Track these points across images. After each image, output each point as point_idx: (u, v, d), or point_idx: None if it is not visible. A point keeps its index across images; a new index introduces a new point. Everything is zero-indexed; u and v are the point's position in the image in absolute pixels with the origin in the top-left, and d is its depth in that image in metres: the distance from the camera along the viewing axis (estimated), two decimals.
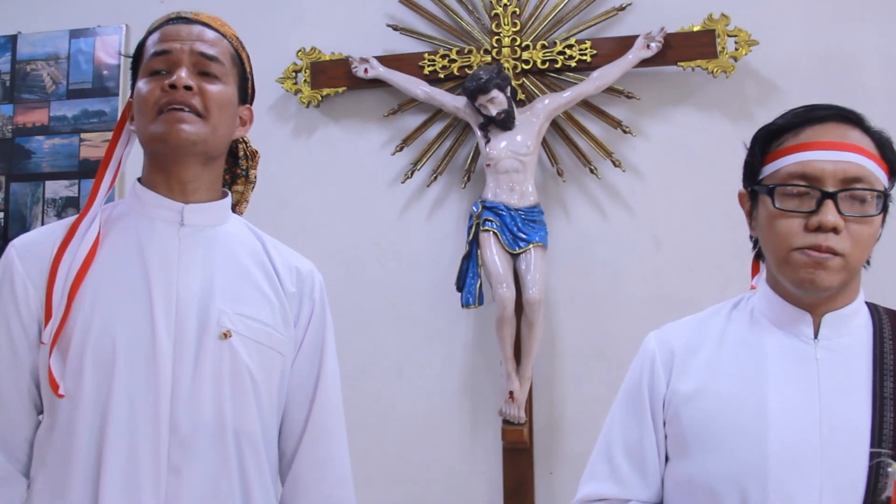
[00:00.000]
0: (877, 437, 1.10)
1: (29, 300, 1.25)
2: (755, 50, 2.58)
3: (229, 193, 1.42)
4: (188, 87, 1.26)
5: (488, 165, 2.54)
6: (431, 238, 2.79)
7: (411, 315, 2.78)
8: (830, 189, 1.13)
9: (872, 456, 1.09)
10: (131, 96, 1.36)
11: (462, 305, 2.54)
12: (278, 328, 1.34)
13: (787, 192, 1.16)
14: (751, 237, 1.30)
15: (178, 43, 1.30)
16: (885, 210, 1.17)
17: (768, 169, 1.20)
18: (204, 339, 1.26)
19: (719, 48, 2.58)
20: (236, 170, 1.48)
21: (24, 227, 3.07)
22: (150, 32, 1.35)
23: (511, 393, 2.47)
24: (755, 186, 1.22)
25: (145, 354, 1.23)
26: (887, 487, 1.05)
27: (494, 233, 2.48)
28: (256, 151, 1.50)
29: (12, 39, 3.17)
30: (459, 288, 2.55)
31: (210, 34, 1.33)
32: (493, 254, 2.48)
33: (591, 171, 2.66)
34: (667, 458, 1.27)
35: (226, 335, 1.27)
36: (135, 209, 1.33)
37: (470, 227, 2.54)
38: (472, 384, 2.73)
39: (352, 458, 2.62)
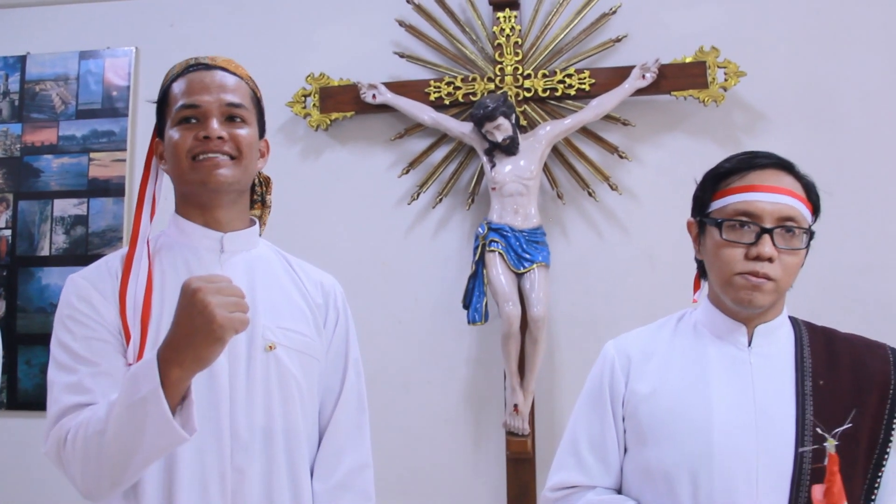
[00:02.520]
0: (800, 426, 1.33)
1: (111, 318, 1.36)
2: (743, 81, 2.74)
3: (257, 221, 1.56)
4: (220, 138, 1.40)
5: (493, 189, 2.67)
6: (436, 257, 2.91)
7: (416, 331, 2.89)
8: (768, 225, 1.34)
9: (801, 428, 1.33)
10: (155, 136, 1.49)
11: (468, 322, 2.65)
12: (313, 337, 1.49)
13: (732, 226, 1.36)
14: (696, 259, 1.52)
15: (206, 95, 1.42)
16: (808, 244, 1.39)
17: (716, 204, 1.41)
18: (253, 353, 1.40)
19: (710, 79, 2.74)
20: (253, 196, 1.59)
21: (33, 245, 3.13)
22: (172, 79, 1.46)
23: (516, 406, 2.59)
24: (704, 218, 1.43)
25: (205, 370, 1.35)
26: (821, 457, 1.25)
27: (500, 253, 2.61)
28: (269, 178, 1.62)
29: (21, 60, 3.24)
30: (466, 306, 2.66)
31: (231, 80, 1.45)
32: (499, 273, 2.60)
33: (590, 194, 2.80)
34: (625, 450, 1.46)
35: (271, 347, 1.42)
36: (179, 240, 1.47)
37: (476, 248, 2.67)
38: (476, 398, 2.85)
39: None
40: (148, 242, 1.44)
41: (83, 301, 1.37)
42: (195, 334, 1.15)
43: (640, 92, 2.76)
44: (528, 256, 2.61)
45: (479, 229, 2.68)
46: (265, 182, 1.61)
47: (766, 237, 1.33)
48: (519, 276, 2.63)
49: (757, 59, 2.77)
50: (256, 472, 1.37)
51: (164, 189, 1.51)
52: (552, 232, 2.81)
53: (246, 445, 1.36)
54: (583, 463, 1.47)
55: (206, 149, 1.39)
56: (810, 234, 1.38)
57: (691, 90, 2.75)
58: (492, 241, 2.62)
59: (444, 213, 2.92)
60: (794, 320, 1.47)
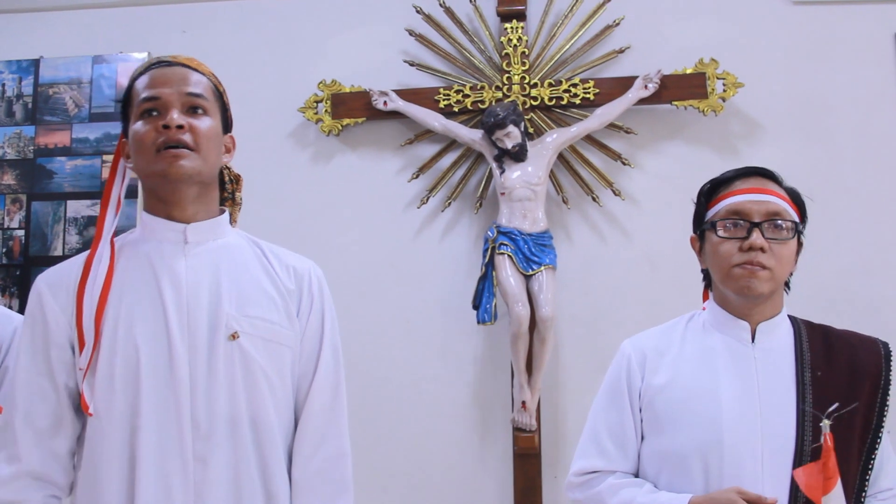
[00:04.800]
0: (800, 414, 1.48)
1: (60, 327, 1.41)
2: (741, 91, 2.86)
3: (226, 211, 1.58)
4: (180, 126, 1.42)
5: (502, 194, 2.76)
6: (444, 260, 3.00)
7: (425, 332, 2.98)
8: (756, 220, 1.51)
9: (801, 416, 1.48)
10: (122, 136, 1.52)
11: (478, 322, 2.75)
12: (283, 324, 1.48)
13: (726, 225, 1.54)
14: (702, 270, 1.68)
15: (167, 87, 1.43)
16: (798, 239, 1.55)
17: (711, 212, 1.59)
18: (214, 342, 1.41)
19: (709, 89, 2.86)
20: (223, 194, 1.62)
21: (45, 245, 3.19)
22: (135, 78, 1.49)
23: (524, 402, 2.68)
24: (703, 227, 1.61)
25: (164, 361, 1.39)
26: (819, 438, 1.41)
27: (509, 256, 2.71)
28: (239, 175, 1.65)
29: (35, 63, 3.29)
30: (476, 306, 2.76)
31: (193, 75, 1.47)
32: (509, 275, 2.70)
33: (594, 199, 2.91)
34: (642, 437, 1.61)
35: (234, 336, 1.42)
36: (143, 235, 1.49)
37: (486, 251, 2.76)
38: (482, 395, 2.94)
39: (371, 465, 2.80)
40: (113, 243, 1.46)
41: (38, 310, 1.43)
42: None
43: (642, 101, 2.87)
44: (536, 259, 2.71)
45: (489, 233, 2.78)
46: (235, 179, 1.63)
47: (756, 230, 1.49)
48: (527, 277, 2.72)
49: (754, 72, 2.89)
50: (221, 461, 1.38)
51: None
52: (557, 235, 2.90)
53: (207, 435, 1.37)
54: (604, 450, 1.61)
55: (167, 138, 1.40)
56: (797, 229, 1.54)
57: (691, 100, 2.87)
58: (501, 244, 2.72)
59: (453, 217, 3.01)
60: (792, 318, 1.61)
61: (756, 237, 1.48)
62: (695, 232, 1.66)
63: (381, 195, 3.05)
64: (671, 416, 1.54)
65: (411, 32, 3.02)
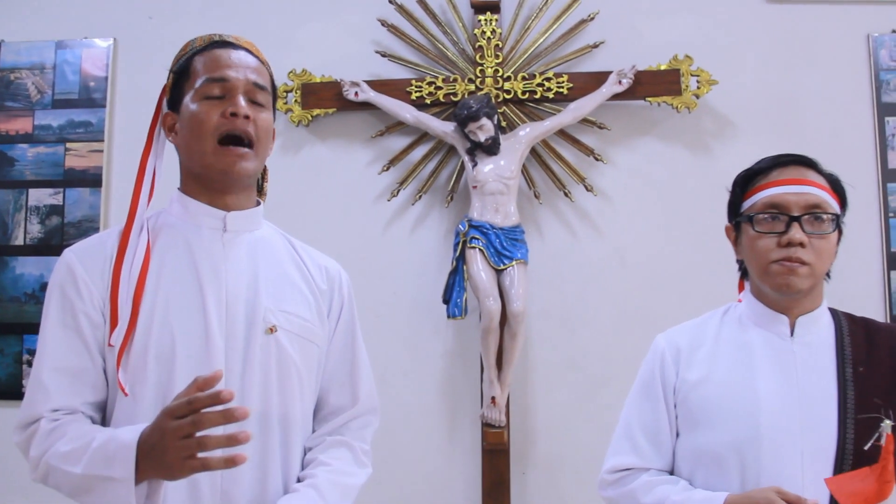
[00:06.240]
0: (842, 410, 1.42)
1: (94, 300, 1.36)
2: (714, 89, 2.86)
3: (261, 203, 1.55)
4: (247, 117, 1.38)
5: (474, 187, 2.73)
6: (414, 253, 2.97)
7: (394, 326, 2.94)
8: (795, 213, 1.45)
9: (843, 413, 1.42)
10: (160, 107, 1.47)
11: (448, 317, 2.71)
12: (315, 322, 1.48)
13: (763, 219, 1.47)
14: (737, 261, 1.62)
15: (233, 71, 1.40)
16: (839, 230, 1.49)
17: (747, 203, 1.53)
18: (252, 334, 1.39)
19: (683, 86, 2.85)
20: None
21: (6, 234, 3.10)
22: (194, 52, 1.44)
23: (493, 398, 2.66)
24: (738, 218, 1.54)
25: (200, 349, 1.35)
26: (881, 438, 1.37)
27: (481, 250, 2.68)
28: (266, 167, 1.62)
29: None
30: (446, 301, 2.72)
31: (255, 62, 1.45)
32: (480, 269, 2.67)
33: (566, 194, 2.89)
34: (677, 434, 1.57)
35: (272, 330, 1.40)
36: (181, 218, 1.45)
37: (456, 245, 2.73)
38: (451, 390, 2.91)
39: None
40: (147, 220, 1.43)
41: (69, 281, 1.37)
42: (159, 464, 1.17)
43: (615, 97, 2.85)
44: (507, 253, 2.68)
45: (460, 226, 2.75)
46: (263, 171, 1.60)
47: (796, 224, 1.43)
48: (499, 272, 2.70)
49: (728, 69, 2.89)
50: (250, 453, 1.32)
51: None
52: (528, 230, 2.88)
53: (237, 426, 1.32)
54: (637, 447, 1.57)
55: (233, 127, 1.37)
56: (838, 221, 1.48)
57: (665, 96, 2.86)
58: (473, 237, 2.69)
59: (423, 210, 2.98)
60: (833, 311, 1.56)
61: (795, 232, 1.42)
62: (729, 221, 1.59)
63: (351, 187, 3.00)
64: (707, 412, 1.50)
65: (384, 23, 2.98)
